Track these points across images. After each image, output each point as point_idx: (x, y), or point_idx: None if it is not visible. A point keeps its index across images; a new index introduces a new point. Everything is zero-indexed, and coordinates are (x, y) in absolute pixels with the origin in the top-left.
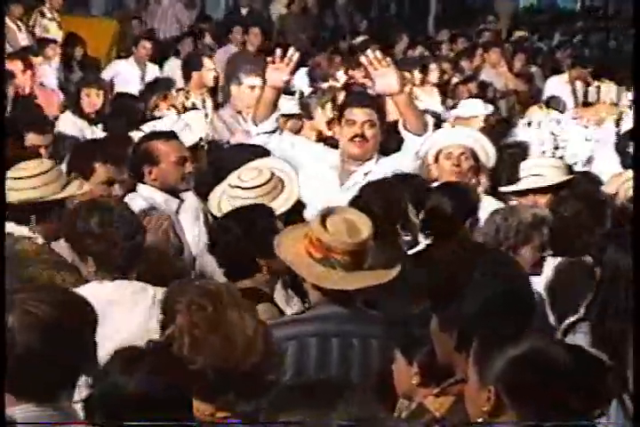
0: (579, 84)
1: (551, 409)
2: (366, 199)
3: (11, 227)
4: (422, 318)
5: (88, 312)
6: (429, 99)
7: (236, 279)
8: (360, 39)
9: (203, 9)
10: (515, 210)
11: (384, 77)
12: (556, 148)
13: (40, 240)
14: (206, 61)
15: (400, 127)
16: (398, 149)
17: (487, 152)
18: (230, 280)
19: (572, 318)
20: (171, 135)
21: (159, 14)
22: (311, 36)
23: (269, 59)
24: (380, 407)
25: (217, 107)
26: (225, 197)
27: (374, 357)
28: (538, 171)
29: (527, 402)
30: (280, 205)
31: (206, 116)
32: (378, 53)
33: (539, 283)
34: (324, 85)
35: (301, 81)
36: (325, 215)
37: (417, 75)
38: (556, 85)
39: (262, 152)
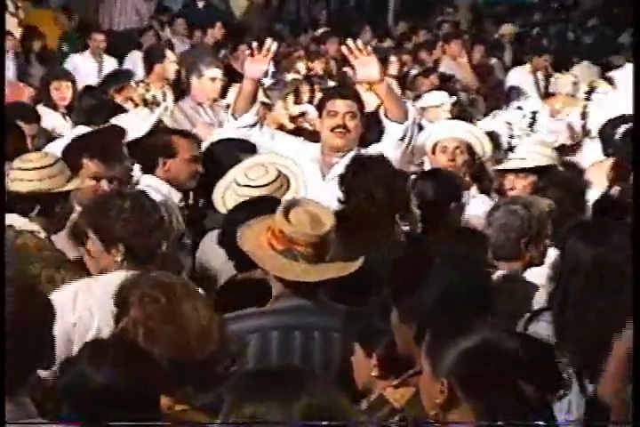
0: (540, 75)
1: (506, 400)
2: (369, 187)
3: (13, 219)
4: (381, 310)
5: (47, 308)
6: None
7: (248, 270)
8: (320, 31)
9: (161, 1)
10: (531, 201)
11: (365, 66)
12: (511, 137)
13: (42, 234)
14: (168, 53)
15: (381, 115)
16: (379, 140)
17: (483, 145)
18: (242, 272)
19: (535, 307)
20: (187, 133)
21: (118, 6)
22: (272, 28)
23: (247, 51)
24: (341, 398)
25: (177, 99)
26: (230, 194)
27: (336, 350)
28: (521, 155)
29: (480, 394)
30: None
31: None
32: (359, 42)
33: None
34: (287, 77)
35: None
36: (288, 207)
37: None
38: (519, 76)
39: (250, 148)
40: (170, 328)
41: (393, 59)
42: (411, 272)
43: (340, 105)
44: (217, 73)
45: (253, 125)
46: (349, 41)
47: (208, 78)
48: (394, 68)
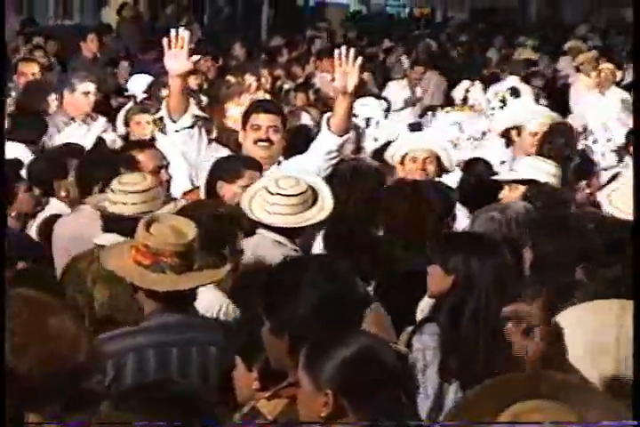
0: (418, 88)
1: (388, 408)
2: (425, 194)
3: (108, 239)
4: (260, 322)
5: None
6: None
7: None
8: (192, 46)
9: (31, 14)
10: (506, 206)
11: (346, 77)
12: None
13: None
14: (35, 68)
15: (323, 124)
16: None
17: (450, 157)
18: None
19: (419, 319)
20: (147, 145)
21: None
22: (145, 41)
23: (165, 43)
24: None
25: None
26: (258, 201)
27: (213, 364)
28: (517, 168)
29: (364, 403)
30: (310, 217)
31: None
32: (352, 52)
33: None
34: (162, 93)
35: (138, 87)
36: (149, 222)
37: (252, 82)
38: (396, 89)
39: (254, 164)
40: (37, 340)
41: (265, 72)
42: (283, 284)
43: (264, 119)
44: (90, 87)
45: (191, 127)
46: (343, 48)
47: (81, 92)
48: (266, 83)
